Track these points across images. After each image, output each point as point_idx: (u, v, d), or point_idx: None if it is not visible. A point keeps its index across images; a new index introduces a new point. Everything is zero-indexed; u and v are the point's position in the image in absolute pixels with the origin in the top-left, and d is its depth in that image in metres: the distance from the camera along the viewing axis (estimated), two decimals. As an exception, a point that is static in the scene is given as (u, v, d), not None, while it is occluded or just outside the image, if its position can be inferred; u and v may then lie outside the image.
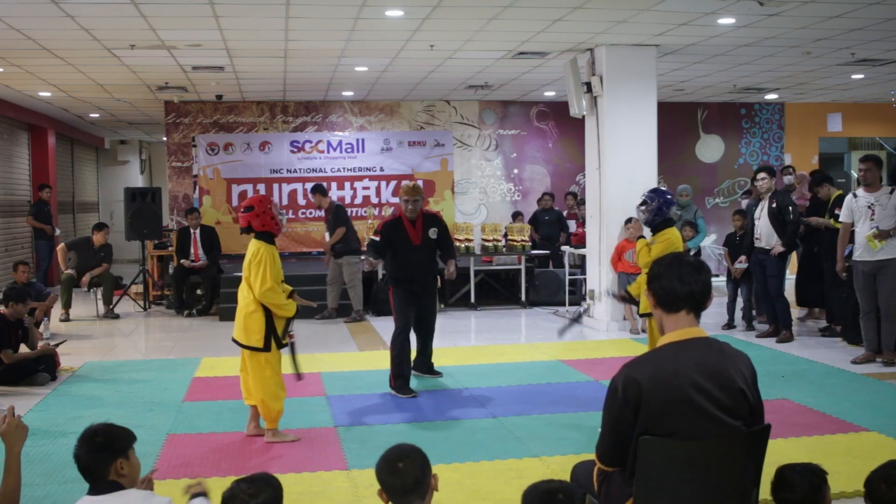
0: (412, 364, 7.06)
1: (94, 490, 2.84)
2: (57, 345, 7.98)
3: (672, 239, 6.06)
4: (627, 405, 2.70)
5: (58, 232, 13.93)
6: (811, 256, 9.44)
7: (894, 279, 7.39)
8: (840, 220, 7.83)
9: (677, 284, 2.79)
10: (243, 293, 5.49)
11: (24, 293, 7.67)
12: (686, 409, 2.68)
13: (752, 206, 9.39)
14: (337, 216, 10.82)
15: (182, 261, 11.61)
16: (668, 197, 6.21)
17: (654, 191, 6.38)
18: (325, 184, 12.30)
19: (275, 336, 5.45)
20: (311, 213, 13.78)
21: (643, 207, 6.26)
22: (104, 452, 2.85)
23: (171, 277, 12.10)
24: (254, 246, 5.46)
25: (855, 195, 7.64)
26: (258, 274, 5.34)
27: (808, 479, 2.95)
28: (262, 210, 5.49)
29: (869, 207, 7.43)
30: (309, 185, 13.86)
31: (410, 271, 6.92)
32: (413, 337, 7.09)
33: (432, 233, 6.96)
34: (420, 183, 7.06)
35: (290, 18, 8.25)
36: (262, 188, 13.82)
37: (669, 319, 2.83)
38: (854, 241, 7.68)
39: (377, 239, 6.99)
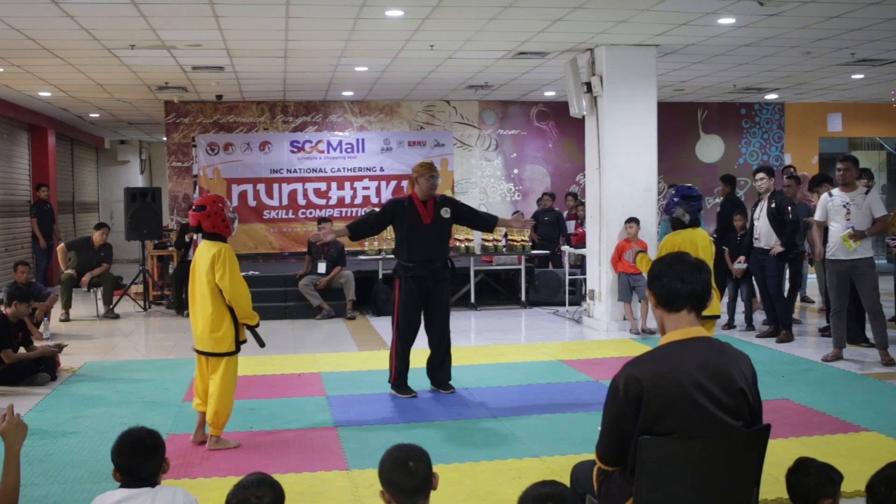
0: (430, 376, 6.91)
1: (130, 485, 2.85)
2: (57, 347, 7.93)
3: (675, 243, 6.05)
4: (629, 404, 2.70)
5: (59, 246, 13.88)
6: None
7: (872, 278, 7.59)
8: (814, 217, 8.01)
9: (678, 284, 2.79)
10: (202, 297, 5.19)
11: (28, 293, 7.66)
12: (687, 408, 2.68)
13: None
14: (341, 257, 11.27)
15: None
16: (675, 199, 6.21)
17: (672, 188, 6.64)
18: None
19: (237, 334, 5.26)
20: (310, 212, 13.79)
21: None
22: (158, 452, 2.90)
23: (171, 277, 12.10)
24: (214, 247, 5.17)
25: (830, 194, 7.80)
26: (226, 273, 5.10)
27: (825, 472, 3.02)
28: (214, 211, 5.22)
29: (844, 207, 7.58)
30: (309, 186, 13.93)
31: (421, 251, 6.50)
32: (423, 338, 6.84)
33: (444, 212, 6.59)
34: None
35: (290, 18, 8.25)
36: (261, 188, 13.83)
37: (671, 319, 2.83)
38: (828, 239, 7.80)
39: (377, 209, 6.59)
